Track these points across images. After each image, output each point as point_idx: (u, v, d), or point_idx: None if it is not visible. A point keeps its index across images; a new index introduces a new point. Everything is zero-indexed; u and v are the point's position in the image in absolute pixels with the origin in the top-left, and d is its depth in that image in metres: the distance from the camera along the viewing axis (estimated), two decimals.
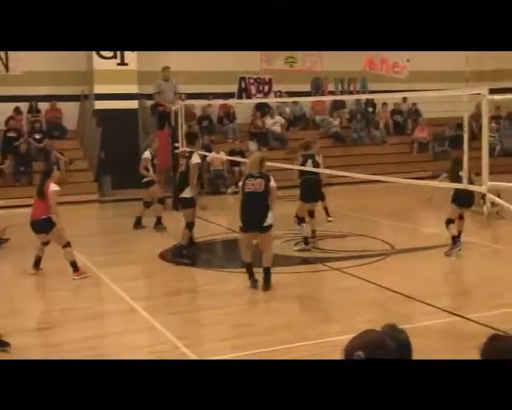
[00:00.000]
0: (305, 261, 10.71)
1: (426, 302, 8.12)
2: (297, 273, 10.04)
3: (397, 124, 22.43)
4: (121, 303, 8.51)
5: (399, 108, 22.68)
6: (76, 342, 7.04)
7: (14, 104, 18.47)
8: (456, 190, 9.81)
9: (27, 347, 7.11)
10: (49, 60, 17.54)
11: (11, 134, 17.87)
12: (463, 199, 10.16)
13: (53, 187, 9.64)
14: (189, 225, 10.70)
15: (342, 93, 22.46)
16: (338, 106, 22.12)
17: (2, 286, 9.64)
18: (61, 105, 19.10)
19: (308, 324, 7.54)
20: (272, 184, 8.72)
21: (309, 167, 10.70)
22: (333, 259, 10.70)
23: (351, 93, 22.59)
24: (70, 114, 19.21)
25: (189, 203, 10.68)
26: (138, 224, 13.19)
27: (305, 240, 11.11)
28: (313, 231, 11.50)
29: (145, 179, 13.13)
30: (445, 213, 10.57)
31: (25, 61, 17.97)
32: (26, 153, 17.51)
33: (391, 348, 2.59)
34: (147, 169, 13.08)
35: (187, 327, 7.64)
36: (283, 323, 7.56)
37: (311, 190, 11.08)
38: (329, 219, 13.25)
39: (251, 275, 8.83)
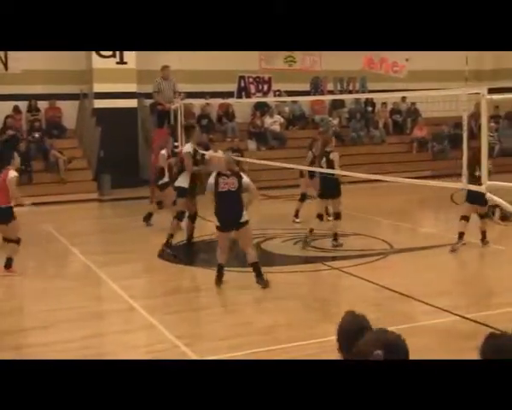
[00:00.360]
0: (305, 261, 10.71)
1: (425, 302, 8.13)
2: (297, 273, 10.04)
3: (396, 123, 22.42)
4: (120, 302, 8.52)
5: (398, 107, 22.67)
6: (74, 341, 7.04)
7: (14, 103, 18.42)
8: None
9: (25, 346, 7.13)
10: (49, 59, 17.49)
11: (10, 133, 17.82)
12: (474, 196, 10.07)
13: (12, 174, 9.62)
14: (179, 215, 10.82)
15: (341, 92, 22.42)
16: (337, 105, 22.09)
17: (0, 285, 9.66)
18: (60, 104, 19.06)
19: (308, 323, 7.54)
20: (245, 180, 8.80)
21: (323, 167, 10.73)
22: (332, 258, 10.72)
23: (350, 92, 22.57)
24: (69, 112, 19.18)
25: (183, 193, 10.77)
26: (148, 219, 13.25)
27: (335, 236, 11.18)
28: (335, 234, 11.23)
29: (161, 181, 12.99)
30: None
31: (24, 60, 17.93)
32: (25, 152, 17.48)
33: (404, 347, 2.62)
34: (163, 169, 12.99)
35: (186, 326, 7.64)
36: (282, 322, 7.56)
37: (328, 187, 11.01)
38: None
39: (219, 275, 8.88)
